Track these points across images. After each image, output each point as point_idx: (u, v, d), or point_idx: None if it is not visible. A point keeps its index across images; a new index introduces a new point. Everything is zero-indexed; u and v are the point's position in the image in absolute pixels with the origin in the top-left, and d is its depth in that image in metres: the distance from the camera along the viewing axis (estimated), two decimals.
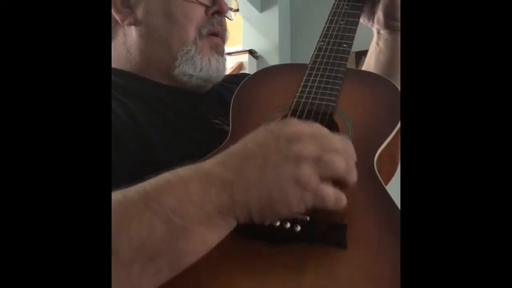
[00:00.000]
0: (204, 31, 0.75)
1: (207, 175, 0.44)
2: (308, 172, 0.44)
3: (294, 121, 0.48)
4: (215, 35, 0.77)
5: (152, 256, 0.41)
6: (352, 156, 0.47)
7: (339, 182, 0.46)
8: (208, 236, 0.44)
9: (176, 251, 0.42)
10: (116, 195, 0.43)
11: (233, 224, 0.45)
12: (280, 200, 0.44)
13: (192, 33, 0.73)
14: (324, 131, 0.47)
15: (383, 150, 0.58)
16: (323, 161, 0.45)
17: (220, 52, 0.78)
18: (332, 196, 0.45)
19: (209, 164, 0.46)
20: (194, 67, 0.74)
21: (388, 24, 0.80)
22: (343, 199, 0.46)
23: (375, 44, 0.85)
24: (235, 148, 0.47)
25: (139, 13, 0.74)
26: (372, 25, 0.83)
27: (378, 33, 0.83)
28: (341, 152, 0.46)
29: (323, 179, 0.45)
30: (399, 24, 0.79)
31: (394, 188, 0.53)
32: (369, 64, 0.86)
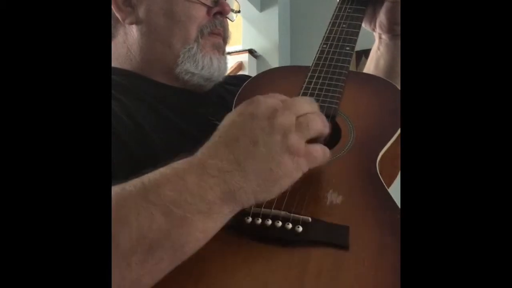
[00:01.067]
0: (206, 31, 0.75)
1: (202, 167, 0.45)
2: (296, 139, 0.47)
3: (259, 97, 0.50)
4: (217, 35, 0.77)
5: (152, 247, 0.42)
6: (318, 109, 0.52)
7: (317, 138, 0.51)
8: (208, 225, 0.44)
9: (176, 241, 0.43)
10: (114, 188, 0.43)
11: (236, 209, 0.46)
12: (280, 174, 0.46)
13: (194, 32, 0.73)
14: (288, 99, 0.51)
15: (386, 152, 0.58)
16: (303, 124, 0.48)
17: (222, 51, 0.78)
18: (321, 151, 0.50)
19: (201, 156, 0.47)
20: (196, 65, 0.74)
21: (390, 28, 0.80)
22: (327, 151, 0.51)
23: (376, 48, 0.85)
24: (218, 138, 0.48)
25: (141, 12, 0.74)
26: (373, 30, 0.83)
27: (380, 37, 0.84)
28: (312, 111, 0.50)
29: (308, 140, 0.49)
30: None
31: (396, 190, 0.53)
32: (370, 68, 0.86)
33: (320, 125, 0.50)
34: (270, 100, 0.49)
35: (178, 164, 0.46)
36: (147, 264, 0.41)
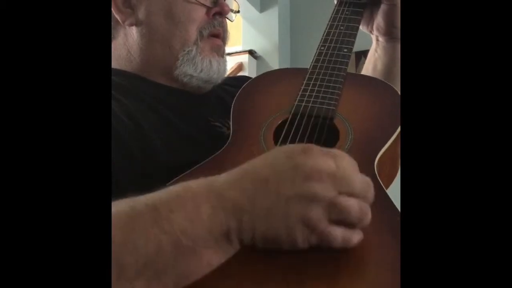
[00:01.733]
0: (206, 32, 0.75)
1: (220, 196, 0.43)
2: (318, 215, 0.43)
3: (317, 150, 0.45)
4: (216, 37, 0.77)
5: (157, 273, 0.41)
6: (370, 198, 0.45)
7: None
8: (214, 259, 0.43)
9: (182, 270, 0.42)
10: (124, 206, 0.42)
11: (236, 248, 0.44)
12: (286, 236, 0.43)
13: (193, 33, 0.73)
14: (346, 169, 0.44)
15: (384, 153, 0.58)
16: (337, 205, 0.43)
17: (221, 54, 0.78)
18: (339, 238, 0.44)
19: (223, 183, 0.45)
20: (194, 68, 0.74)
21: (387, 31, 0.80)
22: (351, 239, 0.44)
23: (373, 51, 0.85)
24: (250, 169, 0.45)
25: (141, 13, 0.74)
26: (371, 32, 0.83)
27: (377, 40, 0.84)
28: (358, 195, 0.44)
29: (333, 221, 0.43)
30: (398, 31, 0.79)
31: (394, 191, 0.54)
32: (367, 70, 0.86)
33: (355, 215, 0.43)
34: (324, 160, 0.44)
35: (197, 187, 0.44)
36: None
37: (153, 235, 0.41)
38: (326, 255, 0.46)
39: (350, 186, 0.44)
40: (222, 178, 0.45)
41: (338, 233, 0.43)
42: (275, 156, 0.46)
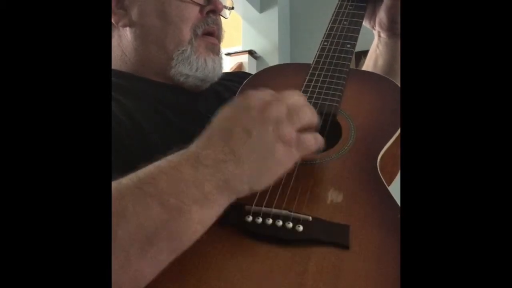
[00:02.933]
0: (200, 31, 0.74)
1: (197, 158, 0.46)
2: (287, 129, 0.49)
3: (251, 92, 0.52)
4: (211, 35, 0.76)
5: (150, 238, 0.42)
6: (306, 100, 0.54)
7: (308, 128, 0.52)
8: (205, 214, 0.44)
9: (174, 231, 0.43)
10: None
11: (231, 199, 0.46)
12: (273, 162, 0.48)
13: (187, 33, 0.73)
14: (278, 92, 0.53)
15: (386, 151, 0.57)
16: (295, 115, 0.50)
17: (216, 52, 0.77)
18: (313, 140, 0.51)
19: (195, 148, 0.47)
20: (190, 67, 0.73)
21: (390, 27, 0.80)
22: (320, 138, 0.52)
23: (375, 47, 0.85)
24: (211, 131, 0.49)
25: (134, 14, 0.73)
26: (373, 27, 0.83)
27: (379, 36, 0.83)
28: (300, 101, 0.52)
29: (299, 130, 0.50)
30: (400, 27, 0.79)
31: (396, 190, 0.53)
32: (368, 66, 0.86)
33: (309, 114, 0.52)
34: (262, 94, 0.51)
35: (173, 157, 0.46)
36: (146, 255, 0.42)
37: (140, 200, 0.42)
38: (326, 252, 0.45)
39: (291, 99, 0.52)
40: (193, 144, 0.48)
41: (310, 137, 0.51)
42: (223, 112, 0.51)
